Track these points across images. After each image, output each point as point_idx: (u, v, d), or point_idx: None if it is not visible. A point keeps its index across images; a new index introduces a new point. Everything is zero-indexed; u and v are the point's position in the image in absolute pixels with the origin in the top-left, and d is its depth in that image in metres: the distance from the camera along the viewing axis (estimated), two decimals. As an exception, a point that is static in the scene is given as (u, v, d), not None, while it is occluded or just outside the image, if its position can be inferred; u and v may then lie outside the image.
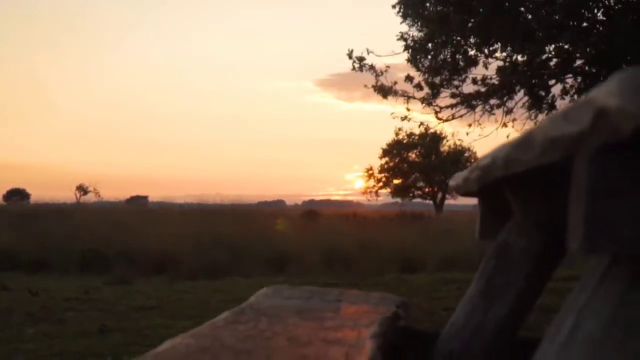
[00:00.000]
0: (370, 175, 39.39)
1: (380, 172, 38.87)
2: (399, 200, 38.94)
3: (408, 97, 7.54)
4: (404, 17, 7.34)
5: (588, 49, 6.32)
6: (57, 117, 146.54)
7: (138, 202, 40.08)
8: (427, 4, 6.99)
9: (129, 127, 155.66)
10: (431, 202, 39.01)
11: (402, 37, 7.37)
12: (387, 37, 8.99)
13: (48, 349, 2.80)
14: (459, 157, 36.30)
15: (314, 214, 17.81)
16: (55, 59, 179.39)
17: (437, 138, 36.27)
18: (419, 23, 7.23)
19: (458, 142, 34.12)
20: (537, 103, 7.12)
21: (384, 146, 37.46)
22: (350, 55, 7.47)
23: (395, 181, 39.02)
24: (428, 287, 5.17)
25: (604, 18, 6.52)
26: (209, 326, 1.20)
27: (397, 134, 35.50)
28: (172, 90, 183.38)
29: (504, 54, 7.03)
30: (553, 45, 6.69)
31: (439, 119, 7.56)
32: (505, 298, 1.31)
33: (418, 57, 7.29)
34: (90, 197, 55.90)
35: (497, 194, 1.30)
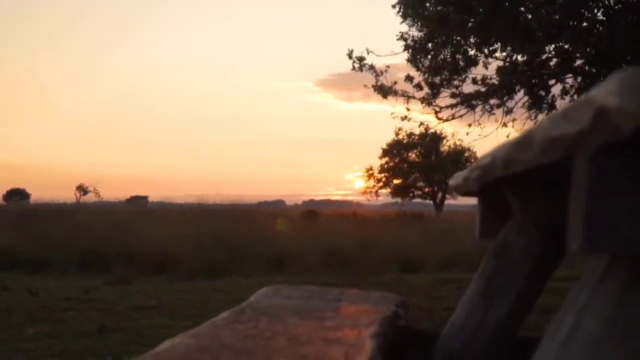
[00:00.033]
0: (370, 175, 39.43)
1: (380, 172, 38.92)
2: (398, 200, 38.95)
3: (408, 97, 7.53)
4: (404, 17, 7.34)
5: (588, 49, 6.32)
6: (57, 117, 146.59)
7: (138, 202, 40.00)
8: (427, 4, 6.98)
9: (129, 127, 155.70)
10: (431, 202, 39.02)
11: (402, 37, 7.37)
12: (387, 37, 9.00)
13: (48, 348, 2.80)
14: (459, 157, 36.30)
15: (314, 214, 17.82)
16: (55, 59, 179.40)
17: (437, 138, 36.31)
18: (419, 23, 7.23)
19: (458, 142, 34.29)
20: (537, 103, 7.11)
21: (384, 146, 37.55)
22: (350, 55, 7.47)
23: (395, 181, 39.05)
24: (428, 287, 5.18)
25: (604, 18, 6.52)
26: (208, 326, 1.20)
27: (397, 134, 35.59)
28: (172, 90, 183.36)
29: (504, 53, 7.03)
30: (553, 45, 6.69)
31: (439, 119, 7.56)
32: (505, 298, 1.31)
33: (418, 57, 7.29)
34: (90, 197, 55.86)
35: (497, 193, 1.30)
